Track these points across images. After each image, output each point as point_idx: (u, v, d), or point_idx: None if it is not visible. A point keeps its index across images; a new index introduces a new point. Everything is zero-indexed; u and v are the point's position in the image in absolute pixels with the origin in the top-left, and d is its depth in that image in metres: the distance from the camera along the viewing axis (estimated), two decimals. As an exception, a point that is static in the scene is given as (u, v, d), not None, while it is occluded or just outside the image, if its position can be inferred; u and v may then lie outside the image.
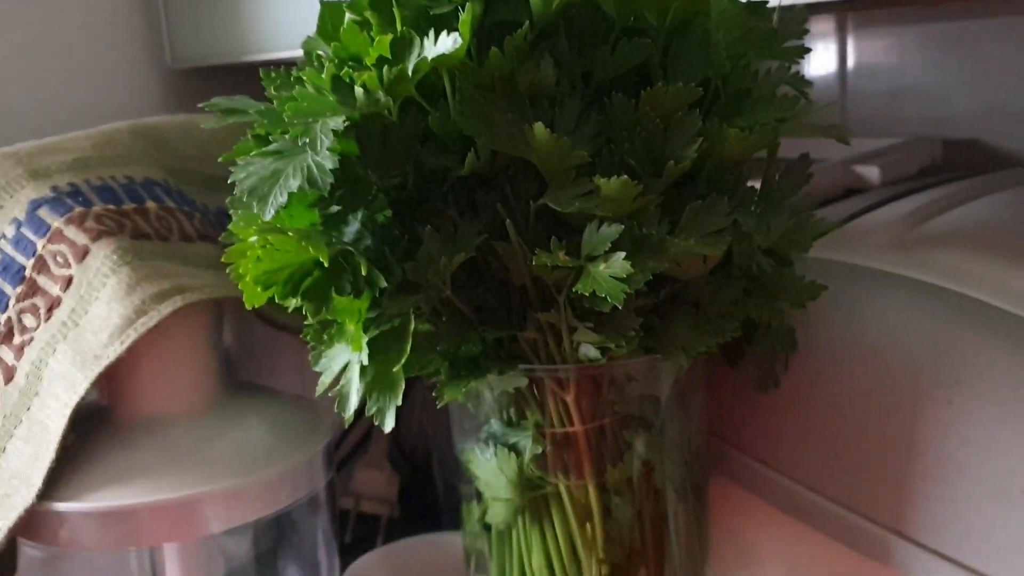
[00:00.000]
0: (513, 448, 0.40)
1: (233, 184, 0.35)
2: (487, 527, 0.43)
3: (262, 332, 0.67)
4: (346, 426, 0.39)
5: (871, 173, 0.62)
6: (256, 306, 0.38)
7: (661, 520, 0.42)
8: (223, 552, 0.55)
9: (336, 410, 0.37)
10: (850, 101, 0.80)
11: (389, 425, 0.35)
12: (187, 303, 0.48)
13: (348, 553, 0.59)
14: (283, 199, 0.34)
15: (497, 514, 0.41)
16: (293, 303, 0.38)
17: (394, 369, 0.35)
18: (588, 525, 0.40)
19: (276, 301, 0.37)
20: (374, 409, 0.36)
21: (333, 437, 0.72)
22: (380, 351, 0.35)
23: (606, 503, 0.40)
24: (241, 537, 0.56)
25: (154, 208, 0.55)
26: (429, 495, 0.69)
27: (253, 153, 0.36)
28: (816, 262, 0.45)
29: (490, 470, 0.41)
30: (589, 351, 0.38)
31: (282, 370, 0.66)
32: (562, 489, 0.40)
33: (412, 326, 0.35)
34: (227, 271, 0.37)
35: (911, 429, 0.41)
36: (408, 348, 0.35)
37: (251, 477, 0.47)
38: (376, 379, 0.35)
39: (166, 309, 0.47)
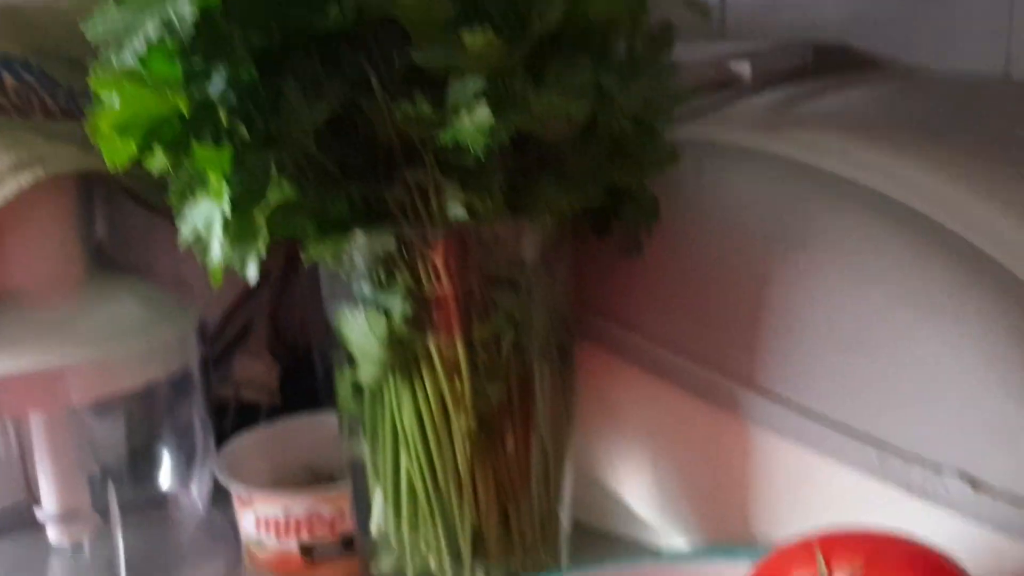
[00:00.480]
0: (383, 309, 0.41)
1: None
2: (359, 390, 0.44)
3: (137, 222, 0.66)
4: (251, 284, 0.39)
5: (743, 68, 0.64)
6: (118, 166, 0.38)
7: (527, 378, 0.43)
8: (96, 438, 0.55)
9: (200, 262, 0.37)
10: (729, 5, 0.81)
11: (251, 275, 0.35)
12: (49, 175, 0.47)
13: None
14: (141, 46, 0.34)
15: (367, 374, 0.42)
16: (155, 161, 0.37)
17: (256, 219, 0.35)
18: (456, 381, 0.42)
19: (136, 155, 0.36)
20: (236, 260, 0.36)
21: (212, 328, 0.72)
22: (242, 202, 0.35)
23: (474, 360, 0.41)
24: (113, 421, 0.55)
25: (11, 83, 0.53)
26: (309, 385, 0.69)
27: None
28: (680, 140, 0.47)
29: (360, 331, 0.42)
30: (456, 210, 0.39)
31: (159, 262, 0.65)
32: (431, 348, 0.41)
33: (275, 179, 0.35)
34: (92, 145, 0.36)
35: (763, 290, 0.44)
36: (270, 199, 0.35)
37: (118, 349, 0.46)
38: (238, 230, 0.35)
39: (25, 180, 0.46)
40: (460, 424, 0.42)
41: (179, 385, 0.53)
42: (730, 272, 0.45)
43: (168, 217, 0.58)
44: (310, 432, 0.59)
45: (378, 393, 0.43)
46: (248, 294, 0.73)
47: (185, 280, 0.61)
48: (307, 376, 0.72)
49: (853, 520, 0.44)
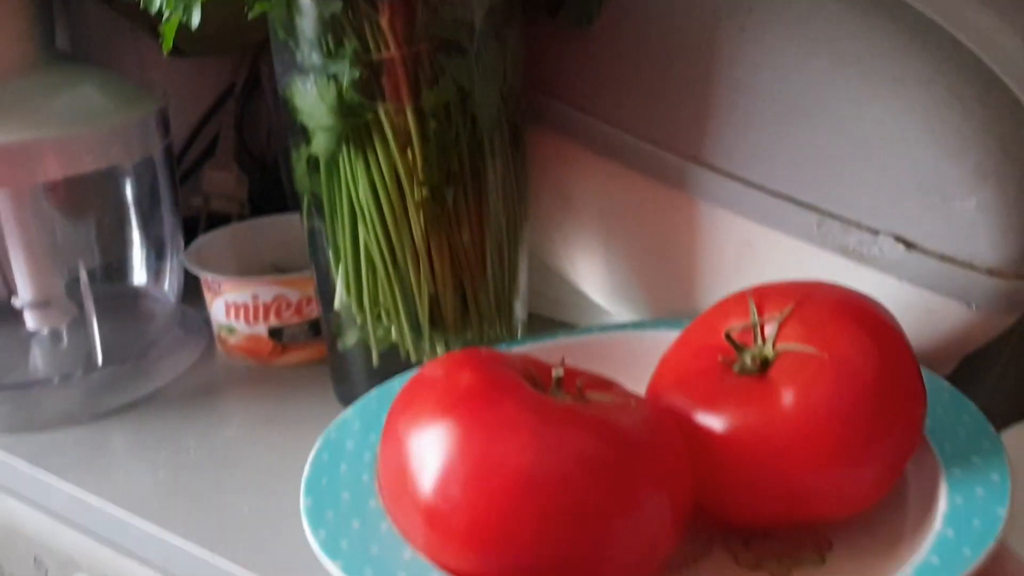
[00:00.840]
0: (332, 77, 0.42)
1: None
2: (315, 167, 0.45)
3: (101, 28, 0.65)
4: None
5: None
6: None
7: (478, 150, 0.44)
8: (66, 229, 0.56)
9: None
10: None
11: (195, 20, 0.36)
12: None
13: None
14: None
15: (320, 144, 0.43)
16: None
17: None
18: (408, 150, 0.43)
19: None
20: (180, 6, 0.36)
21: (180, 143, 0.72)
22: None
23: (424, 130, 0.42)
24: (82, 211, 0.56)
25: None
26: (277, 196, 0.70)
27: None
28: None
29: (311, 100, 0.42)
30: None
31: (122, 69, 0.65)
32: (382, 115, 0.42)
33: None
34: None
35: (708, 60, 0.44)
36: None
37: (82, 129, 0.47)
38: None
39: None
40: (414, 194, 0.43)
41: (144, 175, 0.54)
42: (677, 46, 0.45)
43: (131, 18, 0.58)
44: (277, 231, 0.60)
45: (333, 167, 0.44)
46: (214, 109, 0.74)
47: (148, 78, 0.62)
48: (275, 187, 0.73)
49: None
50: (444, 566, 0.32)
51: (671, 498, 0.33)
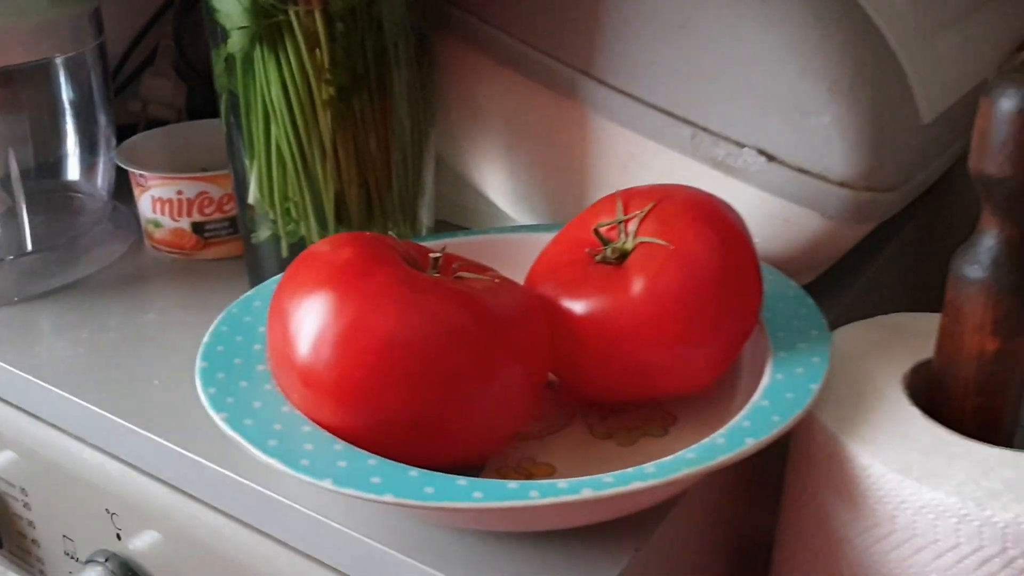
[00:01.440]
0: (246, -20, 0.44)
1: None
2: (232, 66, 0.48)
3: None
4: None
5: None
6: None
7: (383, 52, 0.47)
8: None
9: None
10: None
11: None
12: None
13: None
14: None
15: (235, 43, 0.46)
16: None
17: None
18: (316, 51, 0.46)
19: None
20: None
21: (121, 51, 0.75)
22: None
23: (332, 31, 0.45)
24: (14, 105, 0.59)
25: None
26: (214, 104, 0.73)
27: None
28: None
29: (228, 2, 0.45)
30: None
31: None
32: (292, 17, 0.45)
33: None
34: None
35: (603, -19, 0.48)
36: None
37: (15, 20, 0.49)
38: None
39: None
40: (321, 94, 0.47)
41: (77, 71, 0.57)
42: (580, -30, 0.48)
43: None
44: (207, 135, 0.63)
45: (248, 67, 0.47)
46: (155, 18, 0.76)
47: None
48: (212, 95, 0.76)
49: (669, 193, 0.49)
50: (317, 420, 0.36)
51: (526, 369, 0.37)
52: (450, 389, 0.35)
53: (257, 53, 0.47)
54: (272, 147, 0.49)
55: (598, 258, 0.40)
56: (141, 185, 0.58)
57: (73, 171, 0.61)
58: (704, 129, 0.47)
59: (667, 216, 0.40)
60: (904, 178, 0.47)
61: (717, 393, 0.41)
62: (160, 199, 0.57)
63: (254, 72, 0.47)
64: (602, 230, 0.41)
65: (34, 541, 0.54)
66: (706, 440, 0.34)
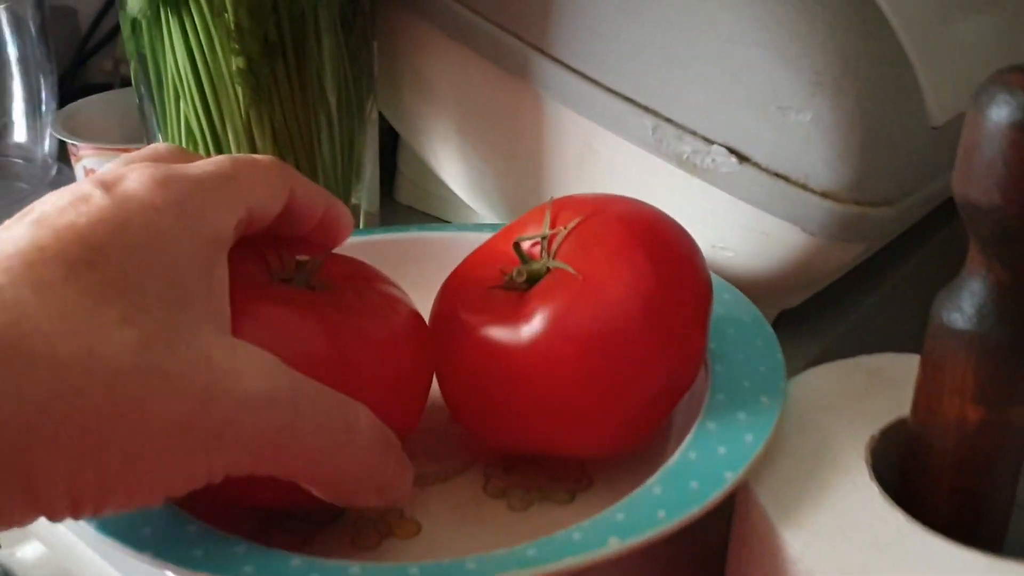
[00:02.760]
0: (143, -69, 0.39)
1: None
2: (136, 29, 0.42)
3: None
4: None
5: None
6: None
7: (299, 18, 0.41)
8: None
9: None
10: None
11: None
12: None
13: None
14: None
15: (135, 5, 0.41)
16: None
17: None
18: (224, 15, 0.40)
19: None
20: None
21: (95, 11, 0.70)
22: None
23: (238, -6, 0.39)
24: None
25: None
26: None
27: None
28: None
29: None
30: None
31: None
32: (192, -24, 0.39)
33: None
34: None
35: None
36: None
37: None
38: None
39: None
40: (231, 64, 0.41)
41: (16, 26, 0.52)
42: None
43: None
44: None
45: (156, 32, 0.42)
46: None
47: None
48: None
49: (629, 191, 0.43)
50: None
51: (373, 402, 0.30)
52: None
53: (163, 17, 0.41)
54: (182, 124, 0.43)
55: (505, 281, 0.33)
56: (75, 155, 0.53)
57: (15, 134, 0.57)
58: (668, 120, 0.39)
59: (592, 236, 0.33)
60: (903, 191, 0.39)
61: (645, 454, 0.34)
62: (92, 171, 0.52)
63: (161, 38, 0.42)
64: (525, 245, 0.34)
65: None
66: (559, 533, 0.27)
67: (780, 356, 0.35)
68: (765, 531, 0.30)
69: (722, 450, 0.30)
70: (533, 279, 0.33)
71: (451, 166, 0.49)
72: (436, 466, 0.35)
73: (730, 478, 0.29)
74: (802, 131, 0.37)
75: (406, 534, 0.32)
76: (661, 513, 0.28)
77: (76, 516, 0.23)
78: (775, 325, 0.44)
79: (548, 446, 0.33)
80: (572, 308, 0.31)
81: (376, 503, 0.29)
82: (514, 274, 0.33)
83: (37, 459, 0.21)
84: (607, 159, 0.42)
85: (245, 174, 0.28)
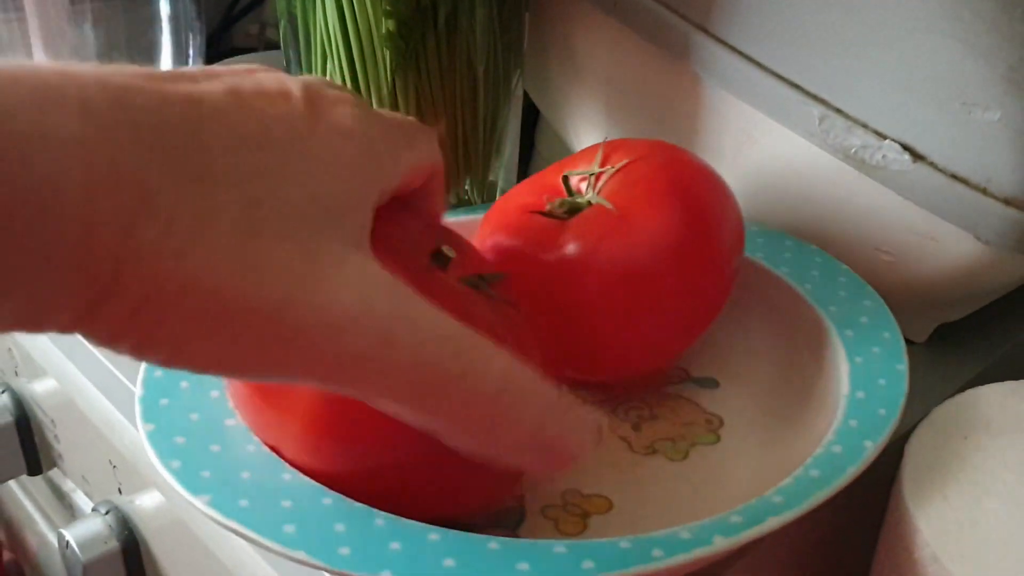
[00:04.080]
0: None
1: None
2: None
3: None
4: None
5: None
6: None
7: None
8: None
9: None
10: None
11: None
12: None
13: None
14: None
15: (290, -40, 0.40)
16: None
17: None
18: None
19: None
20: None
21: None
22: None
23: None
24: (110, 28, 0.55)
25: None
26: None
27: None
28: None
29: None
30: None
31: None
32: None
33: None
34: None
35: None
36: None
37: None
38: None
39: None
40: (380, 27, 0.40)
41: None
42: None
43: None
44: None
45: (309, -4, 0.41)
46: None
47: None
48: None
49: (787, 183, 0.40)
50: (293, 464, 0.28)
51: None
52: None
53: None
54: (330, 84, 0.42)
55: (546, 209, 0.35)
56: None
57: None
58: (837, 111, 0.37)
59: (637, 178, 0.34)
60: (1097, 203, 0.35)
61: (759, 382, 0.36)
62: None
63: (313, 2, 0.41)
64: (574, 180, 0.35)
65: (64, 474, 0.52)
66: (798, 472, 0.27)
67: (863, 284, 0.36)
68: (922, 558, 0.28)
69: (876, 350, 0.33)
70: (573, 211, 0.34)
71: (589, 137, 0.47)
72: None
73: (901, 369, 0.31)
74: (988, 131, 0.34)
75: (601, 509, 0.32)
76: (882, 411, 0.30)
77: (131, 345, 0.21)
78: (932, 337, 0.41)
79: (576, 369, 0.34)
80: (602, 241, 0.33)
81: (542, 467, 0.26)
82: (556, 204, 0.35)
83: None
84: (767, 148, 0.40)
85: (421, 140, 0.28)
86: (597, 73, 0.45)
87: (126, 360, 0.32)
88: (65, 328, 0.20)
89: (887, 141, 0.36)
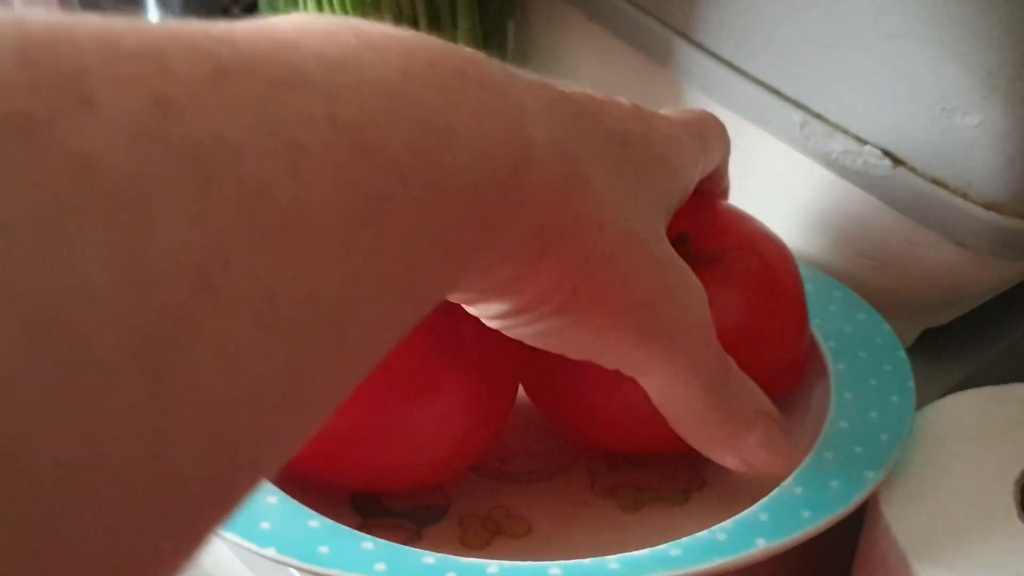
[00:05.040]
0: None
1: None
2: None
3: None
4: None
5: None
6: None
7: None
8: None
9: None
10: None
11: None
12: None
13: None
14: None
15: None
16: None
17: None
18: (358, -15, 0.39)
19: None
20: None
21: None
22: None
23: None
24: None
25: None
26: None
27: None
28: None
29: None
30: None
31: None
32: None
33: None
34: None
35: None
36: None
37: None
38: None
39: None
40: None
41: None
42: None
43: None
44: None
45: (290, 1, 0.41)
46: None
47: None
48: None
49: (770, 188, 0.40)
50: None
51: (480, 385, 0.30)
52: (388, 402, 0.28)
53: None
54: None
55: None
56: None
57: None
58: (817, 116, 0.37)
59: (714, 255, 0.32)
60: (1077, 207, 0.35)
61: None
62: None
63: (296, 5, 0.41)
64: None
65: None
66: (703, 533, 0.26)
67: (911, 384, 0.32)
68: (894, 562, 0.28)
69: (859, 449, 0.29)
70: None
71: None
72: (537, 464, 0.33)
73: (870, 478, 0.27)
74: (967, 136, 0.34)
75: (516, 532, 0.31)
76: (806, 513, 0.26)
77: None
78: (917, 343, 0.41)
79: (651, 445, 0.31)
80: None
81: (738, 467, 0.28)
82: None
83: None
84: (749, 154, 0.40)
85: (716, 136, 0.31)
86: (581, 80, 0.45)
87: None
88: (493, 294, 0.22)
89: (867, 146, 0.36)
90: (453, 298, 0.22)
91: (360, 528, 0.30)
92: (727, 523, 0.26)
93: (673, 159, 0.27)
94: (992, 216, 0.34)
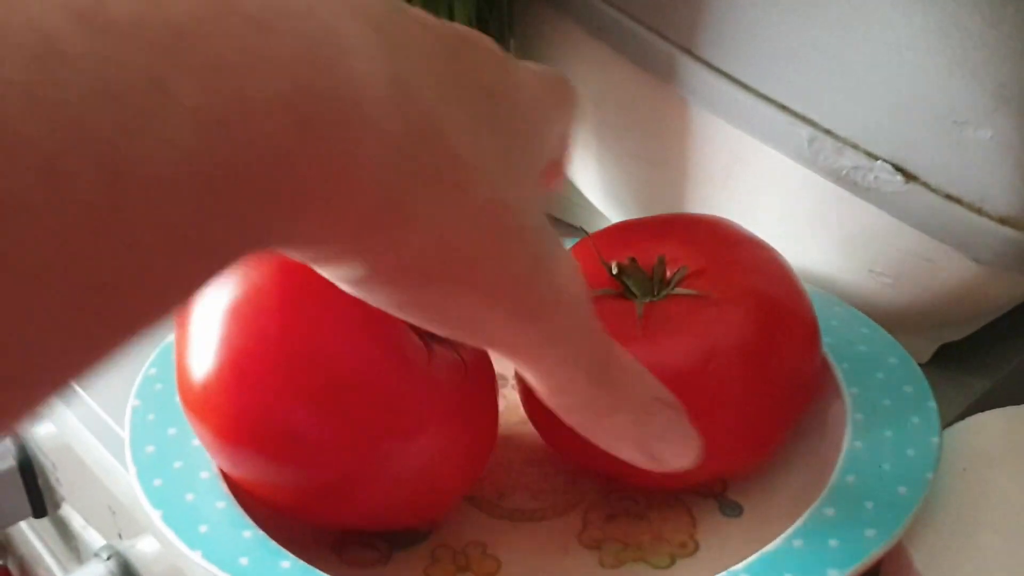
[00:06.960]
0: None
1: None
2: None
3: None
4: None
5: None
6: None
7: (433, 13, 0.39)
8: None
9: None
10: None
11: None
12: None
13: None
14: None
15: None
16: None
17: None
18: None
19: None
20: None
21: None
22: None
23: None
24: None
25: None
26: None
27: None
28: None
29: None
30: None
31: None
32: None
33: None
34: None
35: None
36: None
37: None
38: None
39: None
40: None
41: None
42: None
43: None
44: None
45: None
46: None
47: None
48: None
49: (780, 205, 0.40)
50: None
51: (469, 428, 0.29)
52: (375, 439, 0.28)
53: None
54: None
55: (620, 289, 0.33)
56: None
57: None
58: (827, 132, 0.36)
59: (713, 280, 0.32)
60: (1096, 219, 0.34)
61: (756, 525, 0.32)
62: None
63: None
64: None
65: (69, 517, 0.52)
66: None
67: (934, 405, 0.31)
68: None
69: (869, 505, 0.28)
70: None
71: (586, 172, 0.47)
72: (534, 503, 0.33)
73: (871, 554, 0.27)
74: (980, 149, 0.33)
75: (483, 571, 0.30)
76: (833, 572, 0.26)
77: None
78: (934, 359, 0.40)
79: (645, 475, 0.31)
80: (707, 332, 0.30)
81: (645, 463, 0.25)
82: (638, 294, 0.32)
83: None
84: (757, 172, 0.39)
85: (568, 101, 0.27)
86: (585, 95, 0.44)
87: (120, 408, 0.33)
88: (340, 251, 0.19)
89: (879, 162, 0.35)
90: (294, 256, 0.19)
91: (335, 544, 0.30)
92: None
93: (540, 120, 0.23)
94: (1007, 231, 0.34)
